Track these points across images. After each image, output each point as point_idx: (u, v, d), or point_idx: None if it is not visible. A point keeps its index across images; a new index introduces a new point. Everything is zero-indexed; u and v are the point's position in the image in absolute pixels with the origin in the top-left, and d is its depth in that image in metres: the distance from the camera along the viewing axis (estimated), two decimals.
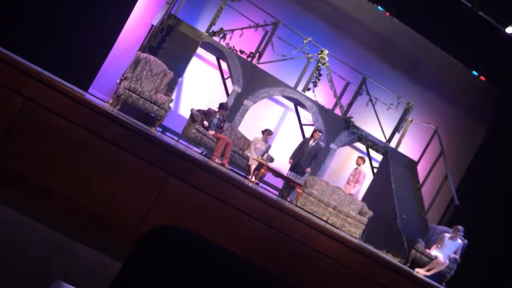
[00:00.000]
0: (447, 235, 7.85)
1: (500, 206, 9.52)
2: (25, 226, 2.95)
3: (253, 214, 3.65)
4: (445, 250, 7.73)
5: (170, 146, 3.64)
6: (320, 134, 9.08)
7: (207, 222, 3.56)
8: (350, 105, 10.67)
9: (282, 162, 9.11)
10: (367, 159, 10.43)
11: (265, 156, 8.36)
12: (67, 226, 3.14)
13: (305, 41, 10.33)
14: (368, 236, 8.84)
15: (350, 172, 9.63)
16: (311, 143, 8.93)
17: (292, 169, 8.82)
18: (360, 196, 10.10)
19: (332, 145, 10.35)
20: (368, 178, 10.81)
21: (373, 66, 11.48)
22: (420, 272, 7.43)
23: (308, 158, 8.86)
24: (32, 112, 3.18)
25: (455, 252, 7.76)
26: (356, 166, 9.34)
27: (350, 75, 10.89)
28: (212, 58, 10.73)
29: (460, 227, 7.81)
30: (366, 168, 9.55)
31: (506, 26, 10.21)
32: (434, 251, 7.73)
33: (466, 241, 7.87)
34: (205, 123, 7.90)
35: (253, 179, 7.89)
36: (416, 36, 11.07)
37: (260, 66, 10.08)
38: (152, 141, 3.50)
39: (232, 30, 9.87)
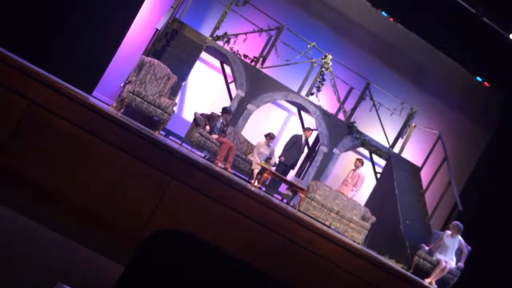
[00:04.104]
0: (446, 235, 7.74)
1: (504, 212, 9.48)
2: (27, 228, 2.96)
3: (255, 218, 3.65)
4: (448, 251, 7.63)
5: (173, 149, 3.64)
6: (310, 132, 9.11)
7: (209, 226, 3.55)
8: (353, 110, 10.66)
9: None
10: (366, 162, 10.40)
11: (271, 162, 8.36)
12: (70, 228, 3.14)
13: (308, 46, 10.34)
14: (371, 242, 8.81)
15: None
16: (303, 141, 8.97)
17: (285, 168, 8.83)
18: (362, 201, 10.07)
19: (335, 150, 10.34)
20: (371, 183, 10.79)
21: (376, 71, 11.47)
22: (428, 281, 7.35)
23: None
24: (36, 115, 3.19)
25: (460, 249, 7.65)
26: (355, 168, 9.21)
27: (353, 80, 10.88)
28: (216, 62, 10.76)
29: (455, 222, 7.72)
30: (364, 171, 9.48)
31: (510, 32, 10.19)
32: (438, 256, 7.63)
33: (469, 247, 7.81)
34: (207, 128, 7.90)
35: (256, 183, 7.88)
36: (420, 41, 11.07)
37: (264, 70, 10.09)
38: (155, 144, 3.50)
39: (236, 35, 9.89)
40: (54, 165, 3.27)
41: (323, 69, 10.32)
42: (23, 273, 2.62)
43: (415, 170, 10.49)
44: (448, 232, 7.74)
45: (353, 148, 10.90)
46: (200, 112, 8.21)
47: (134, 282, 1.17)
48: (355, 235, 8.20)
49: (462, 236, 7.71)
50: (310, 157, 10.68)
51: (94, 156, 3.33)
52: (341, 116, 10.58)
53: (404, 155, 10.75)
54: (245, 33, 9.94)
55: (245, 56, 9.96)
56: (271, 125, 10.85)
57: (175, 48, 8.85)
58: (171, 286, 1.14)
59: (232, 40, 9.84)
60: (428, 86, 11.94)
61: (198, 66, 9.99)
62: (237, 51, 9.85)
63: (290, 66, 10.38)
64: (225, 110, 8.28)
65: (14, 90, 3.14)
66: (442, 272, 7.47)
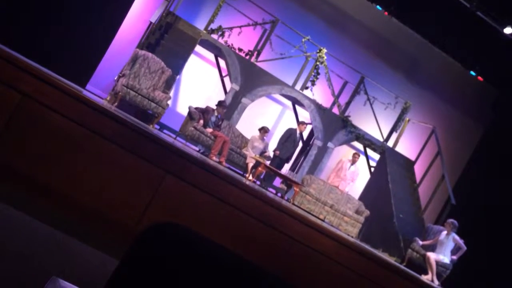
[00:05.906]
0: (442, 233, 7.81)
1: (497, 206, 9.55)
2: (22, 223, 2.95)
3: (250, 212, 3.66)
4: (442, 248, 7.69)
5: (168, 143, 3.64)
6: (305, 126, 9.14)
7: (204, 220, 3.56)
8: (348, 104, 10.68)
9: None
10: (362, 156, 10.46)
11: (266, 155, 8.37)
12: (64, 223, 3.13)
13: (303, 40, 10.32)
14: (365, 235, 8.86)
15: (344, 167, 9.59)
16: (297, 135, 9.01)
17: (279, 162, 8.86)
18: (356, 195, 10.12)
19: (329, 144, 10.36)
20: (365, 177, 10.83)
21: (371, 65, 11.49)
22: (427, 278, 7.38)
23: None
24: (30, 109, 3.17)
25: (457, 246, 7.70)
26: (352, 163, 9.31)
27: (348, 74, 10.89)
28: (211, 55, 10.72)
29: (450, 220, 7.76)
30: (359, 165, 9.62)
31: (504, 27, 10.22)
32: (436, 255, 7.65)
33: (465, 247, 7.82)
34: (201, 122, 7.88)
35: (251, 177, 7.89)
36: (415, 35, 11.08)
37: (259, 64, 10.07)
38: (150, 138, 3.49)
39: (231, 28, 9.85)
40: (47, 159, 3.25)
41: (317, 63, 10.31)
42: (18, 267, 2.61)
43: (409, 164, 10.53)
44: (445, 231, 7.80)
45: (347, 142, 10.92)
46: (194, 105, 8.19)
47: (128, 275, 1.17)
48: (349, 229, 8.23)
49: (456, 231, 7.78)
50: (304, 151, 10.70)
51: (88, 150, 3.32)
52: (335, 110, 10.59)
53: (398, 149, 10.79)
54: (240, 27, 9.90)
55: (240, 49, 9.93)
56: (266, 119, 10.84)
57: (169, 42, 8.81)
58: (166, 280, 1.15)
59: (226, 34, 9.80)
60: (422, 80, 11.97)
61: (192, 60, 9.95)
62: (232, 44, 9.82)
63: (285, 60, 10.36)
64: (219, 103, 8.26)
65: (7, 83, 3.12)
66: (433, 264, 7.52)
